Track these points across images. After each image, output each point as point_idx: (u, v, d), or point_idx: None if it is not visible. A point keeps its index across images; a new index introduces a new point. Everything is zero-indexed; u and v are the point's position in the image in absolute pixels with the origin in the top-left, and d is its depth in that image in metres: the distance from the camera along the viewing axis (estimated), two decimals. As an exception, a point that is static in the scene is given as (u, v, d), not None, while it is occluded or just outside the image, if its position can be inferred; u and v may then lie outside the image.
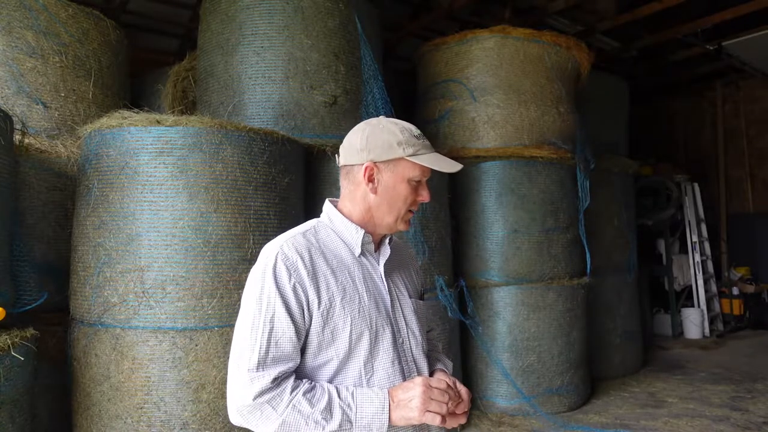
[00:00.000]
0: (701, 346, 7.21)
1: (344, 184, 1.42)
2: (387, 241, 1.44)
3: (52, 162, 3.43)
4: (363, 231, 1.38)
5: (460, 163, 1.43)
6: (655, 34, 6.93)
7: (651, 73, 8.36)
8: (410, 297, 1.45)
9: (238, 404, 1.21)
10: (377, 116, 1.48)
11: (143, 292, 2.84)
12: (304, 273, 1.27)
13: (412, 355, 1.39)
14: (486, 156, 4.75)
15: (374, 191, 1.36)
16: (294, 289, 1.26)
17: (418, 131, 1.38)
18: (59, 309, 3.18)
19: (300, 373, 1.29)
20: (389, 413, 1.24)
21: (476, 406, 4.67)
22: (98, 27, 3.98)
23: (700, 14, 6.42)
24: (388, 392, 1.26)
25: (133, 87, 4.70)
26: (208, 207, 2.91)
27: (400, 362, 1.35)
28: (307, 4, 3.87)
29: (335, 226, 1.40)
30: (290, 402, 1.20)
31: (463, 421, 1.32)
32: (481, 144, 4.81)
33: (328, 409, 1.21)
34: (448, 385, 1.30)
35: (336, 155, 1.48)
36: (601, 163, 5.66)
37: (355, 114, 3.99)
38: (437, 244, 4.16)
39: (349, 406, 1.22)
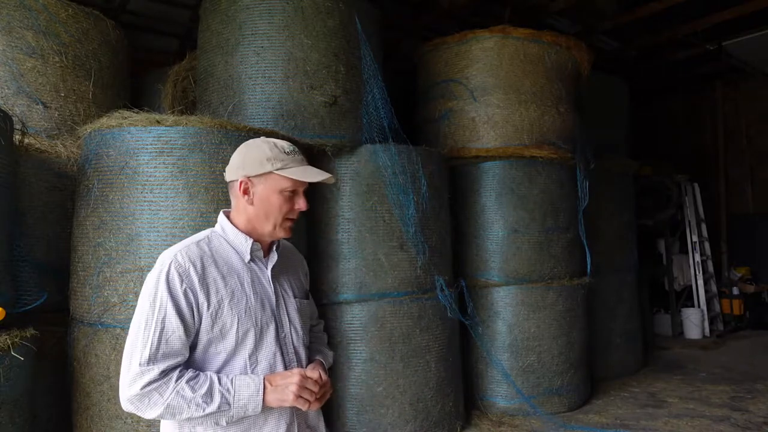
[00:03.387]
0: (701, 346, 7.20)
1: (231, 198, 1.60)
2: (275, 247, 1.62)
3: (52, 162, 3.42)
4: (252, 240, 1.55)
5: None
6: (655, 34, 6.92)
7: (651, 73, 8.35)
8: (295, 297, 1.65)
9: (129, 394, 1.37)
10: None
11: (143, 292, 2.84)
12: (195, 279, 1.45)
13: (294, 346, 1.60)
14: (486, 156, 4.74)
15: (251, 203, 1.54)
16: (185, 294, 1.43)
17: (292, 147, 1.56)
18: (59, 309, 3.18)
19: (191, 363, 1.47)
20: (263, 395, 1.44)
21: (476, 406, 4.66)
22: (98, 27, 3.98)
23: (700, 14, 6.42)
24: (267, 378, 1.46)
25: (133, 87, 4.69)
26: (208, 207, 2.92)
27: (282, 353, 1.55)
28: (307, 4, 3.86)
29: (227, 236, 1.57)
30: (174, 389, 1.37)
31: (319, 404, 1.54)
32: (481, 144, 4.81)
33: (209, 393, 1.40)
34: (321, 377, 1.53)
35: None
36: (601, 163, 5.64)
37: (355, 114, 3.98)
38: (437, 244, 4.16)
39: (227, 390, 1.41)
